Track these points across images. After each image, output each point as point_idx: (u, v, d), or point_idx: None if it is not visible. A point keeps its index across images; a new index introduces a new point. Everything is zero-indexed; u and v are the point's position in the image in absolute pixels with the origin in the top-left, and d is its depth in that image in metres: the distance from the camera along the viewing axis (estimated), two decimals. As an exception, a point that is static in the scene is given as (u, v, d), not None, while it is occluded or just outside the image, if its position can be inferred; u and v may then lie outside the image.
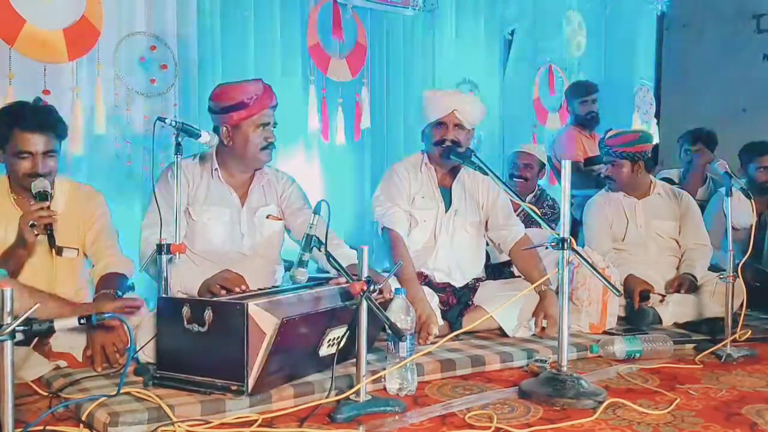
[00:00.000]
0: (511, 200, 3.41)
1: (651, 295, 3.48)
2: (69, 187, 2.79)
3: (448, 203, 3.35)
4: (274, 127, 2.96)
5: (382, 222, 3.23)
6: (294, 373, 2.35)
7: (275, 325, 2.19)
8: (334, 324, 2.41)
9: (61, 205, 2.72)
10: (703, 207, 4.25)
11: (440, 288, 3.25)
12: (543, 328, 3.11)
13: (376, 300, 2.24)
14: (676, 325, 3.45)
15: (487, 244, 3.50)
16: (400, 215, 3.24)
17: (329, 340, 2.42)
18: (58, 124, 2.68)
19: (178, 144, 2.54)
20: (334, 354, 2.36)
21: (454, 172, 3.39)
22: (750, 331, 3.15)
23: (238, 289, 2.52)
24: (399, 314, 2.41)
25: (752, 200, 3.18)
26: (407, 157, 3.45)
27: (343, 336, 2.40)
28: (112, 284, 2.65)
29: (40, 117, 2.64)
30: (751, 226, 3.15)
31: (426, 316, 2.92)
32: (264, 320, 2.21)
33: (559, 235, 2.41)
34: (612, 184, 3.82)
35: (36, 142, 2.60)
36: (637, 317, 3.42)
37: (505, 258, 3.54)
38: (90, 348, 2.47)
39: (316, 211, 2.28)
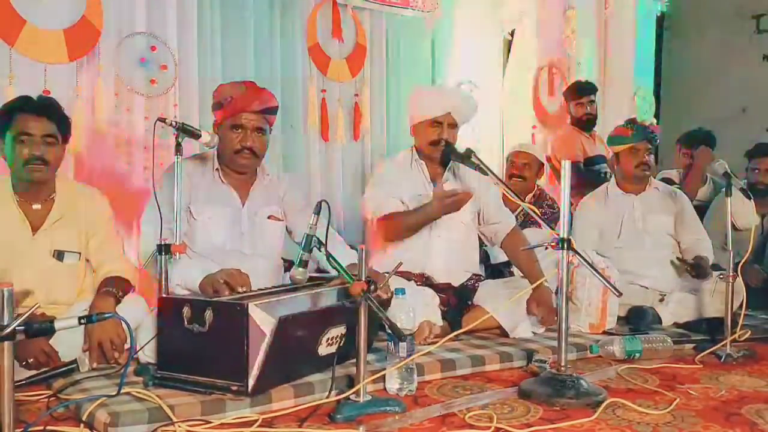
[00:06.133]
0: (510, 200, 3.41)
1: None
2: (72, 189, 2.73)
3: None
4: (262, 133, 2.88)
5: (375, 216, 3.22)
6: (294, 373, 2.34)
7: (273, 323, 2.19)
8: (332, 323, 2.41)
9: (63, 207, 2.67)
10: (703, 208, 4.25)
11: (441, 289, 3.25)
12: (543, 319, 3.10)
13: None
14: (676, 325, 3.46)
15: (482, 245, 3.50)
16: (391, 201, 3.22)
17: (328, 339, 2.42)
18: (61, 117, 2.61)
19: (178, 144, 2.55)
20: (334, 353, 2.36)
21: (444, 165, 3.39)
22: (750, 331, 3.15)
23: (240, 288, 2.50)
24: (399, 314, 2.41)
25: (752, 201, 3.19)
26: (394, 156, 3.44)
27: (342, 335, 2.40)
28: (113, 284, 2.63)
29: (43, 102, 2.60)
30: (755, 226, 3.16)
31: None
32: (264, 320, 2.21)
33: (558, 235, 2.41)
34: (645, 170, 3.75)
35: (36, 125, 2.51)
36: (637, 317, 3.42)
37: (504, 258, 3.53)
38: (86, 344, 2.46)
39: (316, 212, 2.28)
